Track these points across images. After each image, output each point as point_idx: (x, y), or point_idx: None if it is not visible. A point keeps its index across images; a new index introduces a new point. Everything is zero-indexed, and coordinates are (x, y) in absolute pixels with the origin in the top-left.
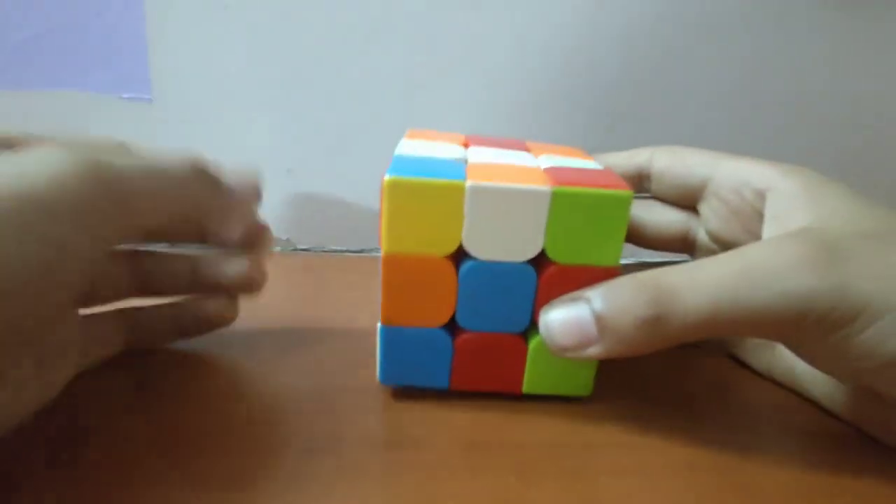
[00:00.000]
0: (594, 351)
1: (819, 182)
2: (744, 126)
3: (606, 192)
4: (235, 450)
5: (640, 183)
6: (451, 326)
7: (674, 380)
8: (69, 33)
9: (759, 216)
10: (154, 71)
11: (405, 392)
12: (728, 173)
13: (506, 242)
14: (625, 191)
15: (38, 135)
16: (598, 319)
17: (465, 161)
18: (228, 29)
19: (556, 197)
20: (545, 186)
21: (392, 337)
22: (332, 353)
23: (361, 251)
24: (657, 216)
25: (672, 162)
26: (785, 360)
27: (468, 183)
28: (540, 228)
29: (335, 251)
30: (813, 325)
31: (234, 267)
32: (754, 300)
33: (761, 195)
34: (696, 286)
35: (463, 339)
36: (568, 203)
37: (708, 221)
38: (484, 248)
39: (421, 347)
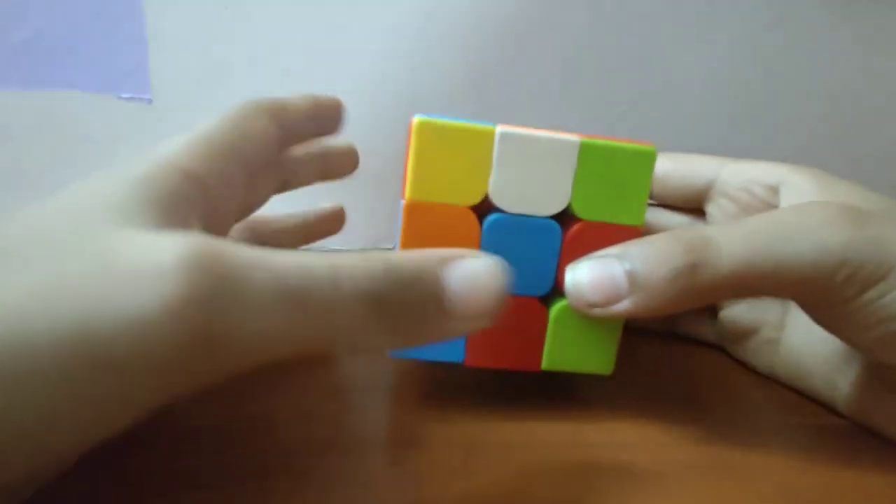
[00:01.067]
0: (624, 306)
1: (828, 176)
2: (743, 126)
3: (632, 146)
4: (234, 450)
5: None
6: None
7: (675, 379)
8: (69, 33)
9: None
10: (154, 71)
11: (405, 391)
12: (735, 172)
13: (532, 194)
14: (650, 146)
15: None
16: (630, 272)
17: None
18: (228, 29)
19: (584, 148)
20: (574, 137)
21: None
22: None
23: (362, 251)
24: (664, 221)
25: (675, 165)
26: (789, 358)
27: (499, 129)
28: (567, 181)
29: (335, 251)
30: (846, 281)
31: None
32: (789, 251)
33: (773, 190)
34: (731, 237)
35: None
36: (595, 155)
37: (716, 221)
38: (510, 200)
39: None
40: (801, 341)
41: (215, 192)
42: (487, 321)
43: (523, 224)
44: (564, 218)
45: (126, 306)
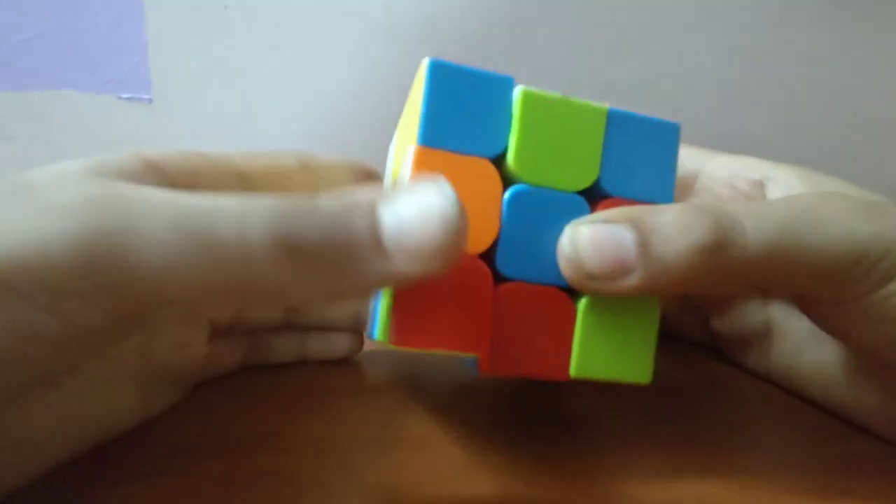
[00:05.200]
0: (629, 282)
1: (813, 172)
2: (742, 122)
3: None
4: (232, 450)
5: None
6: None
7: (672, 380)
8: (69, 33)
9: None
10: (154, 71)
11: (404, 392)
12: (720, 166)
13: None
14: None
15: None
16: (642, 242)
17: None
18: (228, 29)
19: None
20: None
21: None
22: None
23: None
24: None
25: None
26: (780, 366)
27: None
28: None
29: None
30: (864, 274)
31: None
32: (816, 238)
33: (759, 185)
34: (759, 217)
35: (504, 289)
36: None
37: None
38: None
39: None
40: (789, 351)
41: (180, 182)
42: (437, 264)
43: (549, 199)
44: (590, 194)
45: (29, 238)
